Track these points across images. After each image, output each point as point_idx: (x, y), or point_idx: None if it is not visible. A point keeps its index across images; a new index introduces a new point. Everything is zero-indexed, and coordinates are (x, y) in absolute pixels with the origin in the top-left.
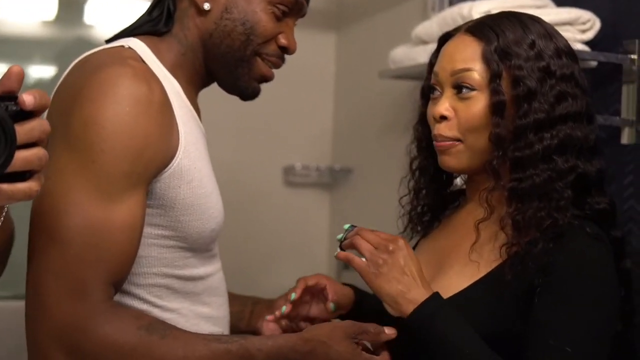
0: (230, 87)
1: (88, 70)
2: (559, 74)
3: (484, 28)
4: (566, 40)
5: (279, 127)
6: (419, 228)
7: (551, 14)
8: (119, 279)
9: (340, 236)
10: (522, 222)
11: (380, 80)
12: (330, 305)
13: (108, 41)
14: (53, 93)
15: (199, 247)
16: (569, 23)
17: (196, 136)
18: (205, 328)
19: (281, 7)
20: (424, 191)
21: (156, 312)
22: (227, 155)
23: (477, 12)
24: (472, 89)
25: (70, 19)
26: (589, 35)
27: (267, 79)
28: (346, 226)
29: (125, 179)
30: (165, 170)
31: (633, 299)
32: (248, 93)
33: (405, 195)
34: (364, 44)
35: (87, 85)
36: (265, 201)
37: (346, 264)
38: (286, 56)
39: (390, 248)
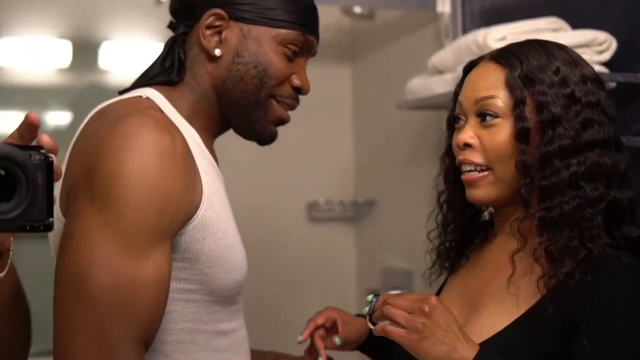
0: (247, 133)
1: (108, 121)
2: (585, 100)
3: (508, 55)
4: (592, 68)
5: (300, 163)
6: (447, 264)
7: (567, 37)
8: (148, 337)
9: (365, 310)
10: (555, 252)
11: (398, 110)
12: (336, 340)
13: (121, 92)
14: (71, 145)
15: (224, 300)
16: (586, 45)
17: (218, 186)
18: None
19: (292, 47)
20: (452, 226)
21: None
22: (251, 195)
23: (492, 38)
24: (496, 116)
25: (85, 65)
26: (606, 56)
27: (283, 121)
28: (369, 297)
29: (152, 233)
30: (190, 222)
31: None
32: (265, 137)
33: (433, 230)
34: (379, 75)
35: (110, 137)
36: (291, 238)
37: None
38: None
39: (426, 309)
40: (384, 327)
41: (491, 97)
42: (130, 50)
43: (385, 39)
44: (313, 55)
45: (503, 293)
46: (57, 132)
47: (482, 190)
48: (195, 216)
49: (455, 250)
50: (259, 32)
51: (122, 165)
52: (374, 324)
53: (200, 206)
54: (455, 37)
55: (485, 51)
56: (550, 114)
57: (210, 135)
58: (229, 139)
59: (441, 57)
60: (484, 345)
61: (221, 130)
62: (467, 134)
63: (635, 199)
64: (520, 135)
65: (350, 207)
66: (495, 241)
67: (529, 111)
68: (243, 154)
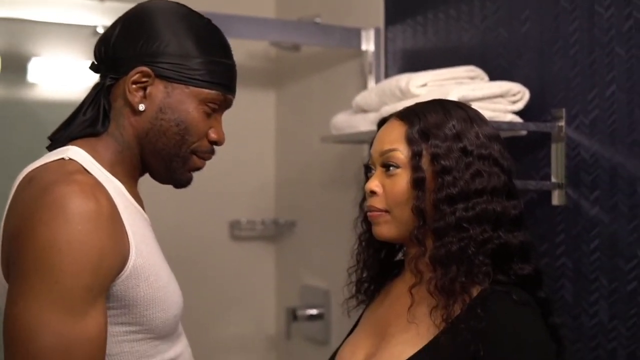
0: (165, 179)
1: (36, 191)
2: (476, 153)
3: (410, 113)
4: (488, 125)
5: (223, 183)
6: (363, 297)
7: (484, 88)
8: None
9: None
10: (444, 286)
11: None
12: None
13: (49, 146)
14: (6, 210)
15: (166, 334)
16: (501, 95)
17: (144, 232)
18: None
19: (212, 105)
20: (368, 262)
21: None
22: (176, 214)
23: (414, 84)
24: (397, 167)
25: (13, 79)
26: (519, 105)
27: (199, 169)
28: None
29: (88, 293)
30: (122, 274)
31: (564, 353)
32: (182, 183)
33: (352, 266)
34: (303, 103)
35: (38, 208)
36: (214, 255)
37: (295, 315)
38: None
39: None
40: None
41: (393, 149)
42: (59, 66)
43: (309, 70)
44: (228, 108)
45: (406, 323)
46: None
47: (383, 227)
48: (125, 267)
49: (371, 285)
50: (182, 90)
51: (53, 235)
52: None
53: (130, 256)
54: (378, 74)
55: (408, 96)
56: (440, 165)
57: (133, 180)
58: None
59: (365, 97)
60: None
61: (142, 174)
62: (374, 182)
63: (527, 242)
64: (416, 183)
65: (272, 227)
66: (402, 277)
67: (425, 162)
68: None
